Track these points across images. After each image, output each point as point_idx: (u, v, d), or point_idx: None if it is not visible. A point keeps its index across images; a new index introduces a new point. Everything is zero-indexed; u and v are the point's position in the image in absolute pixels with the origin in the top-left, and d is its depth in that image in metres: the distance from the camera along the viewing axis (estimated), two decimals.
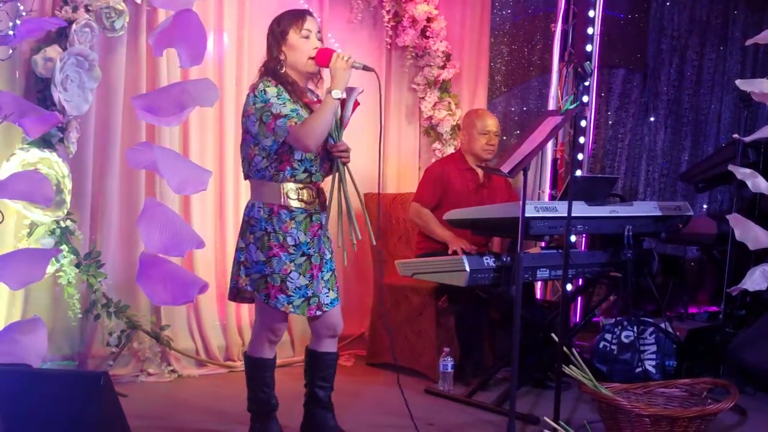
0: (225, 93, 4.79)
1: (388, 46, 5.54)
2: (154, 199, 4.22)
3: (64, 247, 4.12)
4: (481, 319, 4.71)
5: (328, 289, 3.45)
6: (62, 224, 4.11)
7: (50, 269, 4.00)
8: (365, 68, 3.36)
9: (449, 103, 5.63)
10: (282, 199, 3.31)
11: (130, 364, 4.51)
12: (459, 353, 4.70)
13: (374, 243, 3.44)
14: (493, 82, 6.09)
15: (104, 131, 4.43)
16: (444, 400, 4.39)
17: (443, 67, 5.61)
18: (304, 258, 3.34)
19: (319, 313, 3.41)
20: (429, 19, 5.51)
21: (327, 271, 3.45)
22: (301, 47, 3.32)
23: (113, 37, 4.28)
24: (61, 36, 4.04)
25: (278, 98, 3.25)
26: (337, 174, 3.38)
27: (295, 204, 3.33)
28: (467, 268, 4.03)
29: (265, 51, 3.42)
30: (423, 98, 5.64)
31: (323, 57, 3.30)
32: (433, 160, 5.47)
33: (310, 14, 3.41)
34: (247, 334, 4.95)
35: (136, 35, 4.47)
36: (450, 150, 5.53)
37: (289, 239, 3.31)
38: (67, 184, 4.05)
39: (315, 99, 3.49)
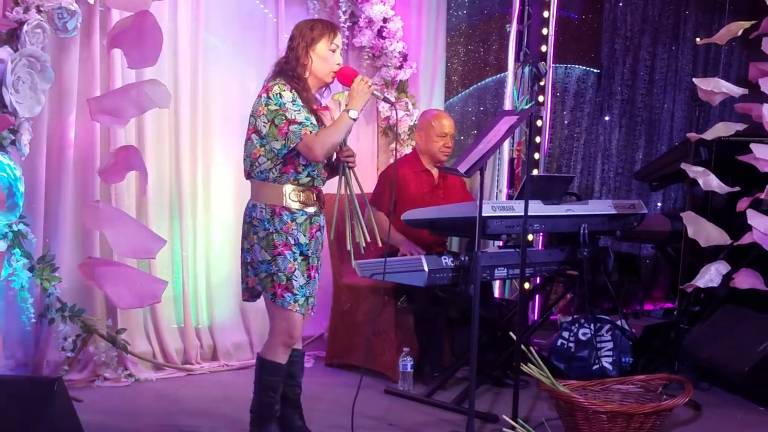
0: (180, 92, 4.74)
1: (345, 47, 5.52)
2: (106, 203, 4.17)
3: (16, 251, 4.05)
4: (439, 319, 4.72)
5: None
6: (14, 228, 4.04)
7: (3, 273, 3.93)
8: (385, 100, 3.64)
9: (406, 103, 5.63)
10: (284, 201, 3.36)
11: (85, 369, 4.46)
12: (418, 353, 4.71)
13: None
14: (449, 82, 6.12)
15: (57, 133, 4.37)
16: (404, 399, 4.39)
17: (400, 68, 5.61)
18: (302, 258, 3.40)
19: (312, 314, 3.49)
20: (385, 20, 5.51)
21: (318, 273, 3.53)
22: (328, 59, 3.43)
23: (66, 37, 4.21)
24: (12, 37, 3.97)
25: (293, 104, 3.30)
26: (343, 178, 3.51)
27: (296, 206, 3.37)
28: (426, 268, 4.04)
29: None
30: None
31: (346, 76, 3.44)
32: (391, 160, 5.47)
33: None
34: (205, 337, 4.92)
35: (89, 36, 4.41)
36: (408, 150, 5.53)
37: (290, 239, 3.36)
38: (20, 187, 3.98)
39: (321, 105, 3.55)
